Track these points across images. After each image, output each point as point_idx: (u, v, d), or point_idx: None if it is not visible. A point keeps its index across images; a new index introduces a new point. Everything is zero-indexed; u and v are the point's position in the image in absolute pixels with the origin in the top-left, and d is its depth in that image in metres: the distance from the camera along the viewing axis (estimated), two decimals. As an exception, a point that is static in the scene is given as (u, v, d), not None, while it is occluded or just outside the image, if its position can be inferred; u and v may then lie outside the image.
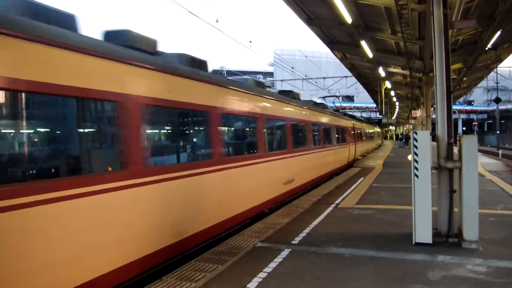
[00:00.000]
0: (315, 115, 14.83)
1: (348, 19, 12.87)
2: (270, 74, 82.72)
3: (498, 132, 49.09)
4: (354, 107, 79.61)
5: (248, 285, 4.90)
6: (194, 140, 7.53)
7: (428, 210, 6.32)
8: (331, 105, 24.03)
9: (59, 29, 4.52)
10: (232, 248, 6.44)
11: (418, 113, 29.22)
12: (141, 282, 5.42)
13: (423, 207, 6.33)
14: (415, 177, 6.37)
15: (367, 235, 7.10)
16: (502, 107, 53.81)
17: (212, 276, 5.21)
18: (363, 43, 16.71)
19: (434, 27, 6.76)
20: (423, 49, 17.72)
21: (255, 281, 5.03)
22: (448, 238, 6.49)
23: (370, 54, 18.28)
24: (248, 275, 5.21)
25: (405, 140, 43.14)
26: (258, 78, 15.63)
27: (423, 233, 6.33)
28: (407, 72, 22.47)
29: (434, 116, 7.59)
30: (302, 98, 14.74)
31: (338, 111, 23.13)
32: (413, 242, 6.38)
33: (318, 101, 18.86)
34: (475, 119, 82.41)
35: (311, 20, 16.38)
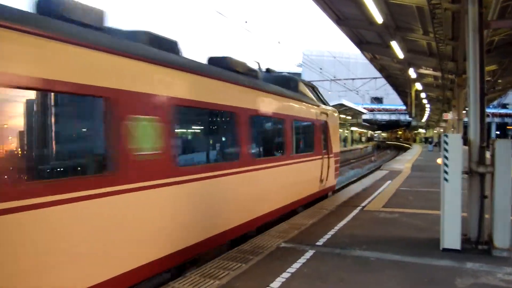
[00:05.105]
0: None
1: (379, 19, 12.68)
2: (298, 75, 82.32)
3: (533, 137, 47.38)
4: (382, 109, 78.49)
5: (271, 285, 4.89)
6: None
7: (458, 215, 6.15)
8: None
9: None
10: (256, 248, 6.46)
11: (449, 115, 28.49)
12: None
13: (452, 212, 6.17)
14: (445, 181, 6.21)
15: (393, 239, 6.98)
16: (538, 111, 51.84)
17: (235, 275, 5.24)
18: (394, 44, 16.44)
19: (469, 27, 6.57)
20: (456, 50, 17.27)
21: (278, 280, 5.02)
22: (477, 245, 6.30)
23: (400, 55, 17.96)
24: (272, 275, 5.20)
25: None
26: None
27: (451, 239, 6.17)
28: (439, 74, 21.97)
29: (466, 119, 7.38)
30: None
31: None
32: (441, 248, 6.22)
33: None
34: (509, 123, 79.70)
35: (340, 20, 16.22)
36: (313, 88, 12.74)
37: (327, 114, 12.57)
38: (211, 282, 4.96)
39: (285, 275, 5.22)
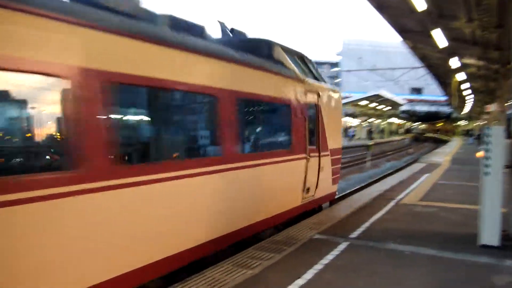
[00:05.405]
0: None
1: (422, 5, 12.32)
2: (335, 64, 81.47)
3: None
4: (422, 99, 76.29)
5: (303, 276, 4.94)
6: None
7: (498, 210, 5.96)
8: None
9: None
10: (289, 239, 6.50)
11: (492, 107, 27.37)
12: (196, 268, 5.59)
13: (492, 207, 5.98)
14: (485, 175, 6.03)
15: (429, 234, 6.85)
16: None
17: (268, 265, 5.31)
18: (436, 32, 15.93)
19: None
20: (502, 38, 16.54)
21: (311, 272, 5.06)
22: (518, 242, 6.10)
23: (443, 44, 17.38)
24: (304, 266, 5.25)
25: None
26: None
27: (490, 234, 6.00)
28: (482, 64, 21.13)
29: (510, 111, 7.09)
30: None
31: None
32: (479, 244, 6.06)
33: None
34: (558, 115, 75.60)
35: (381, 7, 15.84)
36: (303, 59, 9.38)
37: (318, 95, 9.06)
38: (244, 272, 5.05)
39: (318, 266, 5.25)
